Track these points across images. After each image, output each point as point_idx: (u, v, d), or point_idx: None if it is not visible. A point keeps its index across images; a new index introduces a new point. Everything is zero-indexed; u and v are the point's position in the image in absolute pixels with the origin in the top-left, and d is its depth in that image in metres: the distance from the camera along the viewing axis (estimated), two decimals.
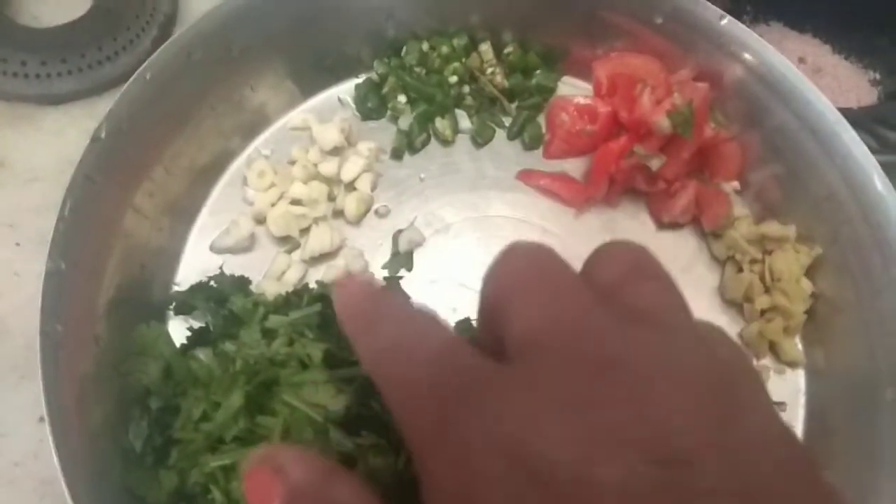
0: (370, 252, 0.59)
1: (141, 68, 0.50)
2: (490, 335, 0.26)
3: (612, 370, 0.21)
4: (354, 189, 0.59)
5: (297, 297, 0.51)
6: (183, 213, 0.57)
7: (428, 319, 0.25)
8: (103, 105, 0.63)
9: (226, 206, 0.59)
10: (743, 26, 0.59)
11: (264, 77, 0.60)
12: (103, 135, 0.47)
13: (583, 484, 0.19)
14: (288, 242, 0.58)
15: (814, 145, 0.57)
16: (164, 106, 0.53)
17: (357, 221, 0.59)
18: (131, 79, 0.50)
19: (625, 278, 0.25)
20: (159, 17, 0.64)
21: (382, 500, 0.23)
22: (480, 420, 0.21)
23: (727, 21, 0.59)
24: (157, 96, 0.52)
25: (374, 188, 0.61)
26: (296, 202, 0.58)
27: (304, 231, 0.58)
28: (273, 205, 0.58)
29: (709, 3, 0.59)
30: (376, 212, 0.61)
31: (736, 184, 0.61)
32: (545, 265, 0.25)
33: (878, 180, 0.54)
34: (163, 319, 0.53)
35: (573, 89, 0.66)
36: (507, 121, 0.65)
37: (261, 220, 0.58)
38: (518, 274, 0.25)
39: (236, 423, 0.43)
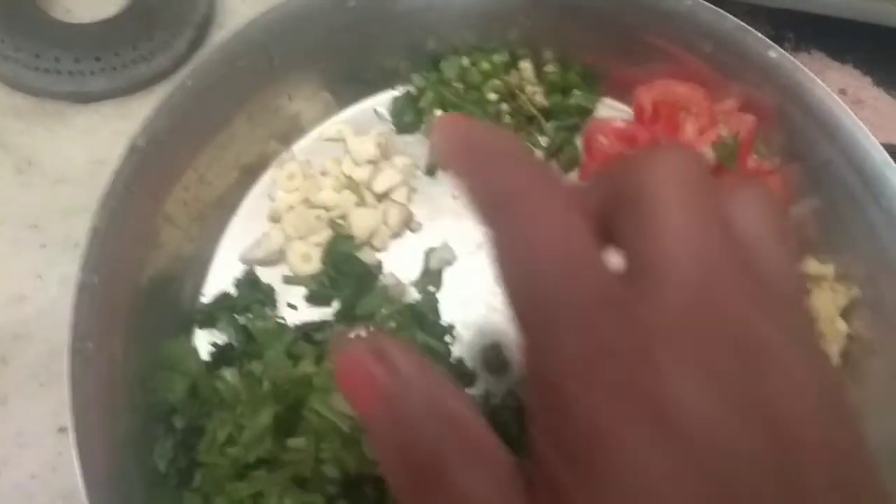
0: (400, 268, 0.58)
1: (182, 75, 0.49)
2: (602, 210, 0.22)
3: (758, 349, 0.20)
4: (391, 200, 0.58)
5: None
6: (214, 222, 0.56)
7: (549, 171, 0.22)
8: (135, 105, 0.61)
9: (257, 215, 0.58)
10: (791, 58, 0.58)
11: (302, 86, 0.59)
12: (144, 144, 0.46)
13: (727, 454, 0.18)
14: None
15: (857, 183, 0.56)
16: (203, 114, 0.52)
17: (397, 233, 0.59)
18: (173, 87, 0.48)
19: (772, 238, 0.22)
20: (196, 18, 0.63)
21: None
22: (622, 358, 0.19)
23: (775, 51, 0.58)
24: (197, 104, 0.50)
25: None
26: (320, 207, 0.57)
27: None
28: (293, 207, 0.57)
29: (758, 34, 0.58)
30: (409, 228, 0.59)
31: None
32: (705, 184, 0.22)
33: None
34: (190, 331, 0.52)
35: (612, 111, 0.65)
36: (544, 141, 0.64)
37: (276, 219, 0.57)
38: (677, 176, 0.21)
39: (262, 443, 0.42)
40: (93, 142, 0.59)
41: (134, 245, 0.47)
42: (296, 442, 0.41)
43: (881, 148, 0.56)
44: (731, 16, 0.58)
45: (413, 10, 0.60)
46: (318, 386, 0.43)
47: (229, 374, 0.46)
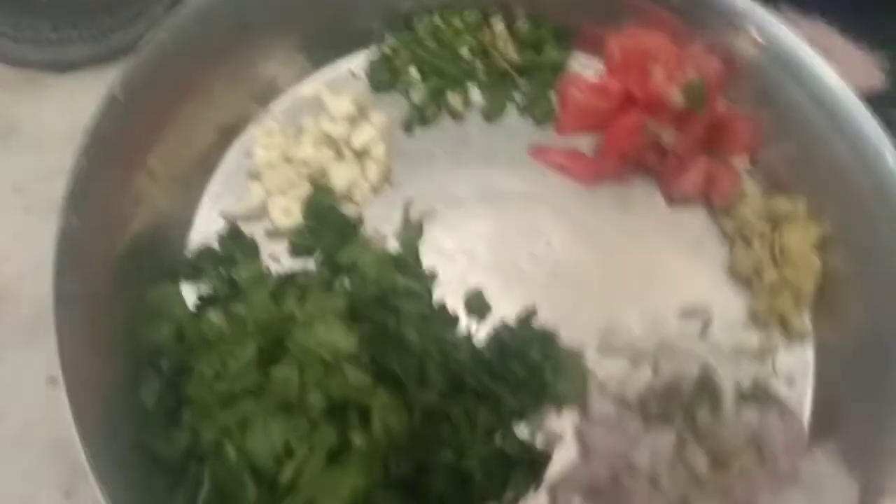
0: (381, 222, 0.59)
1: (158, 31, 0.50)
2: None
3: None
4: (369, 156, 0.59)
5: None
6: (195, 179, 0.57)
7: None
8: (114, 72, 0.62)
9: (237, 173, 0.59)
10: (756, 4, 0.59)
11: (277, 48, 0.60)
12: (120, 95, 0.47)
13: None
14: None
15: (825, 122, 0.58)
16: (178, 70, 0.53)
17: (377, 187, 0.60)
18: (147, 40, 0.49)
19: None
20: None
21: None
22: None
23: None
24: (172, 60, 0.52)
25: None
26: (299, 163, 0.58)
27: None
28: (273, 164, 0.58)
29: None
30: (388, 182, 0.61)
31: (746, 160, 0.62)
32: None
33: (890, 156, 0.55)
34: (175, 283, 0.52)
35: (584, 65, 0.66)
36: (519, 96, 0.65)
37: (256, 176, 0.58)
38: None
39: (248, 375, 0.43)
40: (73, 108, 0.59)
41: (115, 193, 0.48)
42: (280, 370, 0.42)
43: (847, 86, 0.57)
44: None
45: None
46: (301, 321, 0.44)
47: (214, 315, 0.46)
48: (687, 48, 0.61)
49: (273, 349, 0.43)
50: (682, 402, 0.52)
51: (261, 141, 0.58)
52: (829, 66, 0.58)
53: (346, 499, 0.39)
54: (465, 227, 0.60)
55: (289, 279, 0.50)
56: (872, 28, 0.73)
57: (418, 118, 0.63)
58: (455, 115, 0.64)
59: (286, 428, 0.40)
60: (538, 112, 0.64)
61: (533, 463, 0.50)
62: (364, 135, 0.60)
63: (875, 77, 0.72)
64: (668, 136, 0.58)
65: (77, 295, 0.45)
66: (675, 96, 0.58)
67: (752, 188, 0.61)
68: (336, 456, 0.40)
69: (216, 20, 0.55)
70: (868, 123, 0.56)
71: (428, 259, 0.57)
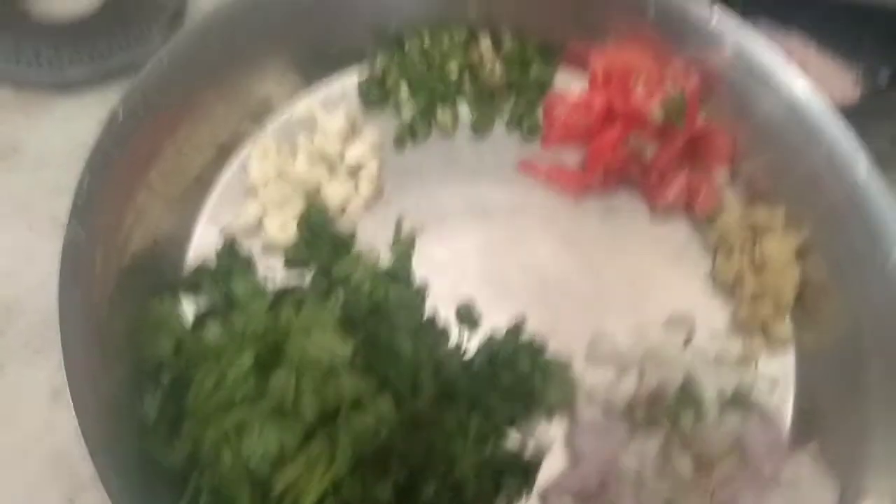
0: (374, 236, 0.61)
1: (157, 54, 0.52)
2: None
3: None
4: (362, 172, 0.61)
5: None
6: (193, 195, 0.59)
7: None
8: (115, 93, 0.64)
9: (235, 189, 0.61)
10: (732, 20, 0.61)
11: (271, 66, 0.62)
12: (121, 115, 0.49)
13: None
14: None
15: (801, 134, 0.60)
16: (178, 90, 0.55)
17: (370, 203, 0.61)
18: (148, 63, 0.52)
19: None
20: (170, 9, 0.66)
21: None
22: None
23: (717, 14, 0.61)
24: (171, 81, 0.54)
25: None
26: (294, 180, 0.60)
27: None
28: (268, 181, 0.60)
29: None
30: (380, 198, 0.62)
31: (726, 171, 0.64)
32: None
33: (863, 166, 0.57)
34: (175, 297, 0.54)
35: (570, 81, 0.68)
36: (506, 112, 0.67)
37: (253, 193, 0.60)
38: None
39: (246, 382, 0.44)
40: (74, 128, 0.62)
41: (118, 207, 0.50)
42: (278, 375, 0.43)
43: (821, 97, 0.59)
44: None
45: None
46: (297, 330, 0.46)
47: (213, 327, 0.48)
48: (667, 64, 0.63)
49: (270, 357, 0.45)
50: (667, 409, 0.54)
51: (256, 158, 0.60)
52: (804, 80, 0.60)
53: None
54: (456, 240, 0.62)
55: (285, 292, 0.52)
56: (848, 42, 0.76)
57: (409, 135, 0.65)
58: (445, 131, 0.66)
59: (282, 433, 0.41)
60: (525, 127, 0.66)
61: (524, 469, 0.52)
62: (356, 151, 0.62)
63: (851, 89, 0.74)
64: (650, 150, 0.61)
65: (81, 308, 0.46)
66: (656, 111, 0.60)
67: (732, 199, 0.63)
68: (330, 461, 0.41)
69: (213, 42, 0.57)
70: (842, 135, 0.58)
71: (420, 271, 0.59)
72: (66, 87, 0.63)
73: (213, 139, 0.60)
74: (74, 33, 0.64)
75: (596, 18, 0.64)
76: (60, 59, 0.62)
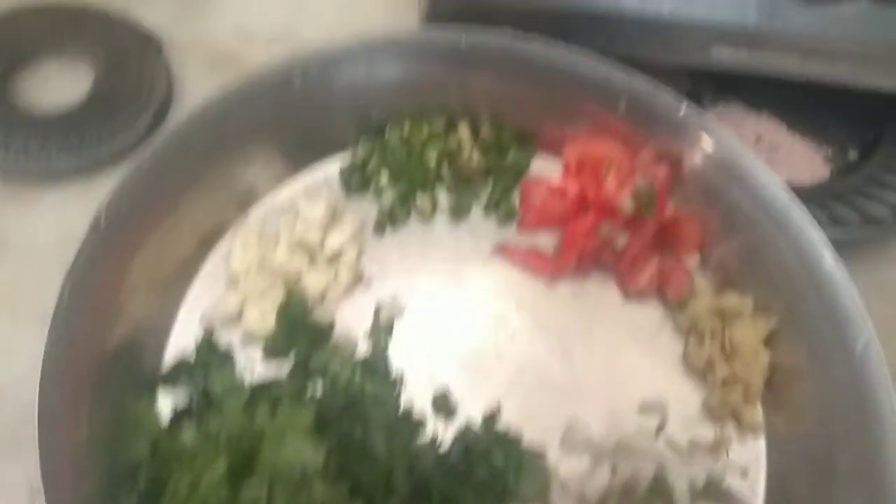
0: (351, 322, 0.62)
1: (139, 157, 0.54)
2: None
3: None
4: (341, 259, 0.63)
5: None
6: (175, 286, 0.60)
7: None
8: (101, 182, 0.66)
9: (216, 279, 0.62)
10: (700, 113, 0.64)
11: (255, 157, 0.64)
12: (103, 221, 0.50)
13: None
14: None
15: (768, 223, 0.61)
16: (161, 190, 0.56)
17: (349, 289, 0.63)
18: (130, 168, 0.53)
19: None
20: (156, 101, 0.68)
21: None
22: None
23: (685, 107, 0.63)
24: (154, 182, 0.55)
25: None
26: (274, 270, 0.61)
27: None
28: (249, 270, 0.61)
29: (669, 91, 0.64)
30: (359, 283, 0.64)
31: (697, 258, 0.65)
32: None
33: (829, 256, 0.58)
34: (152, 392, 0.55)
35: (546, 166, 0.70)
36: (484, 197, 0.69)
37: (234, 282, 0.61)
38: None
39: (219, 491, 0.45)
40: (61, 219, 0.63)
41: (98, 312, 0.51)
42: (251, 484, 0.44)
43: (787, 189, 0.61)
44: (642, 76, 0.64)
45: (355, 83, 0.66)
46: (271, 436, 0.47)
47: (188, 430, 0.49)
48: (637, 154, 0.65)
49: (244, 463, 0.46)
50: (640, 500, 0.54)
51: (238, 248, 0.62)
52: (770, 170, 0.62)
53: None
54: (434, 324, 0.63)
55: (262, 389, 0.53)
56: (818, 123, 0.78)
57: (389, 220, 0.67)
58: (424, 216, 0.67)
59: None
60: (502, 212, 0.68)
61: None
62: (337, 240, 0.63)
63: (821, 171, 0.76)
64: (622, 239, 0.62)
65: (59, 409, 0.47)
66: (626, 202, 0.62)
67: (703, 285, 0.64)
68: None
69: (198, 137, 0.59)
70: (808, 225, 0.60)
71: (397, 358, 0.60)
72: (54, 176, 0.65)
73: (197, 231, 0.61)
74: (62, 124, 0.66)
75: (569, 109, 0.67)
76: (48, 149, 0.64)
